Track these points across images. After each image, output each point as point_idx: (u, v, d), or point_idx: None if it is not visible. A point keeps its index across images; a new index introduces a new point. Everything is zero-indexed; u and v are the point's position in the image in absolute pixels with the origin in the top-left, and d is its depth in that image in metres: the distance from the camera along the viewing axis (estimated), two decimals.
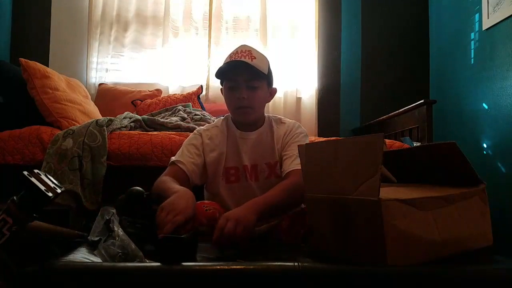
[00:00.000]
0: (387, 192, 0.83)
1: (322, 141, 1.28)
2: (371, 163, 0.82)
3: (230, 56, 1.36)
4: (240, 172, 1.40)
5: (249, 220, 1.06)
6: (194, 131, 1.50)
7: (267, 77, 1.39)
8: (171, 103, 2.49)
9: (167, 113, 2.31)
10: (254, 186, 1.39)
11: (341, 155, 0.91)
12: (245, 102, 1.35)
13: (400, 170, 1.06)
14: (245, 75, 1.34)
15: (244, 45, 1.40)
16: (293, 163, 1.33)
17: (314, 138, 2.03)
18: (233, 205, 1.35)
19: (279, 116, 1.51)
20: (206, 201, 1.29)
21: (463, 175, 0.94)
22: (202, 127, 1.52)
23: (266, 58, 1.42)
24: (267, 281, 0.80)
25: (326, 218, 0.94)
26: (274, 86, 1.46)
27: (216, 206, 1.25)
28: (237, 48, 1.38)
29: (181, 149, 1.43)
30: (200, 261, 0.91)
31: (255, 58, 1.34)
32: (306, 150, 1.02)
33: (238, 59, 1.33)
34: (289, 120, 1.49)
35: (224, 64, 1.35)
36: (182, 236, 0.88)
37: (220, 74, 1.38)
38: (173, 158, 1.41)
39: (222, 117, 1.53)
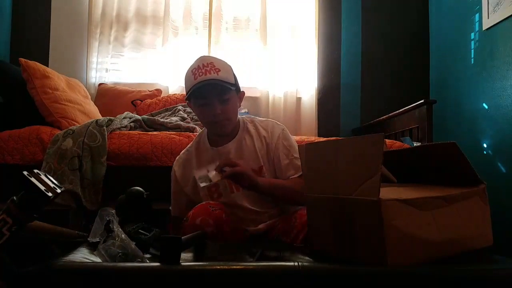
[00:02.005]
0: (387, 192, 0.83)
1: (322, 141, 1.28)
2: (371, 163, 0.82)
3: (193, 72, 1.31)
4: (221, 187, 1.38)
5: (253, 181, 1.26)
6: (172, 171, 1.50)
7: (235, 85, 1.37)
8: (171, 103, 2.49)
9: (167, 113, 2.31)
10: (239, 196, 1.37)
11: (341, 155, 0.91)
12: (221, 116, 1.33)
13: (400, 170, 1.06)
14: (215, 90, 1.31)
15: (204, 57, 1.35)
16: (293, 171, 1.36)
17: (314, 138, 2.03)
18: None
19: (251, 117, 1.49)
20: (211, 202, 1.29)
21: (463, 175, 0.94)
22: (177, 158, 1.51)
23: (229, 65, 1.38)
24: (267, 281, 0.80)
25: (326, 218, 0.94)
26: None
27: (221, 206, 1.26)
28: (197, 62, 1.34)
29: (171, 198, 1.49)
30: (202, 261, 0.91)
31: (219, 70, 1.31)
32: (306, 150, 1.02)
33: (204, 75, 1.29)
34: (261, 119, 1.47)
35: (193, 86, 1.30)
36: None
37: (191, 94, 1.34)
38: (171, 210, 1.49)
39: (197, 136, 1.51)
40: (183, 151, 1.51)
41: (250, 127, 1.43)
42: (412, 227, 0.82)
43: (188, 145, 1.52)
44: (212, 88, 1.30)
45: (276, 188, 1.32)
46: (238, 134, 1.42)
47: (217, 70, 1.31)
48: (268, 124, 1.44)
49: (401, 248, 0.81)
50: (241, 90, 1.44)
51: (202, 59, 1.34)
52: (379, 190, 0.80)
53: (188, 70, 1.35)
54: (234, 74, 1.39)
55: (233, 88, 1.35)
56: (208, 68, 1.30)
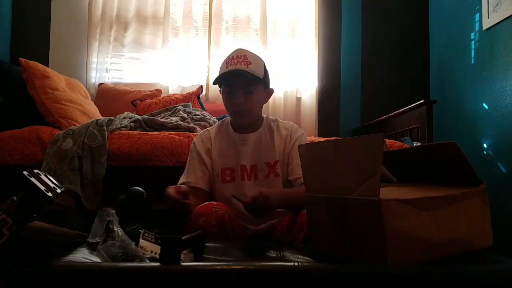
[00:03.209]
0: (387, 192, 0.83)
1: (322, 141, 1.28)
2: (371, 163, 0.82)
3: (226, 61, 1.40)
4: (236, 172, 1.43)
5: (274, 202, 1.21)
6: (192, 144, 1.53)
7: (263, 80, 1.43)
8: (171, 103, 2.49)
9: (167, 113, 2.31)
10: (249, 185, 1.41)
11: (341, 155, 0.91)
12: (242, 106, 1.40)
13: (400, 170, 1.06)
14: (241, 81, 1.38)
15: (240, 50, 1.43)
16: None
17: (314, 138, 2.03)
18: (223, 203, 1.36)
19: (276, 118, 1.55)
20: (213, 202, 1.30)
21: (463, 175, 0.94)
22: (197, 135, 1.57)
23: (262, 60, 1.45)
24: (267, 281, 0.80)
25: (326, 218, 0.94)
26: (271, 86, 1.51)
27: (224, 207, 1.26)
28: (233, 53, 1.42)
29: (185, 168, 1.47)
30: (203, 261, 0.91)
31: (250, 63, 1.38)
32: (306, 150, 1.03)
33: (234, 65, 1.37)
34: (285, 121, 1.54)
35: (222, 73, 1.39)
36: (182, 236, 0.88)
37: (218, 80, 1.42)
38: (181, 178, 1.46)
39: (221, 121, 1.57)
40: (203, 131, 1.57)
41: (273, 125, 1.50)
42: (412, 227, 0.82)
43: (209, 127, 1.59)
44: (239, 78, 1.37)
45: (291, 200, 1.31)
46: (261, 128, 1.48)
47: (248, 62, 1.38)
48: (290, 125, 1.51)
49: (401, 248, 0.81)
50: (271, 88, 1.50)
51: (238, 51, 1.42)
52: (379, 190, 0.80)
53: (224, 60, 1.43)
54: (266, 70, 1.45)
55: (260, 82, 1.41)
56: (240, 60, 1.38)
